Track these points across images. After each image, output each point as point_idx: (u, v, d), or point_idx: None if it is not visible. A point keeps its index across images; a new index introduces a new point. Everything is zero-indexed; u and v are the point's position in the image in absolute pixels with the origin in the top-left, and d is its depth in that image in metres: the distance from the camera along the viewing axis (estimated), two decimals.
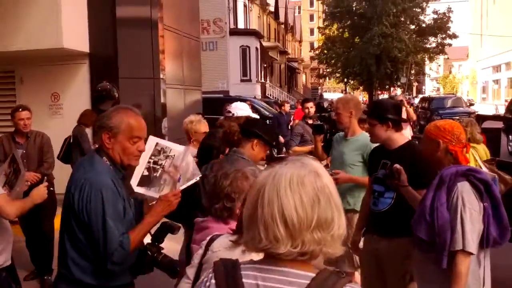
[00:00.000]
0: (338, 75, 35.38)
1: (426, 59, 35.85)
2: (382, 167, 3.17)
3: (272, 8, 41.91)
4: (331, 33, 35.02)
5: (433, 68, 58.97)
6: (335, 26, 33.14)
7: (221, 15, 28.33)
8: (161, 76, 9.05)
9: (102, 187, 2.20)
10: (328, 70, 38.27)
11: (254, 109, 15.19)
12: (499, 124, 7.29)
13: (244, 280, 1.18)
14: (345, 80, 34.94)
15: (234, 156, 3.08)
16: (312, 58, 44.00)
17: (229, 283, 1.19)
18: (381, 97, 44.73)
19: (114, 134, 2.29)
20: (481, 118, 6.84)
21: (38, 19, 7.42)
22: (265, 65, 35.62)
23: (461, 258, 2.43)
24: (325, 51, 35.05)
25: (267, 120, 14.55)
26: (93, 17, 8.22)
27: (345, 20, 30.59)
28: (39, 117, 8.80)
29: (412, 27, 31.71)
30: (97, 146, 2.44)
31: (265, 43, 34.92)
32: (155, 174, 2.52)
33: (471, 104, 26.75)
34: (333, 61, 33.79)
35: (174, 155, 2.52)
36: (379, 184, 3.19)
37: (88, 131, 6.26)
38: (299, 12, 65.16)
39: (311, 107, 6.80)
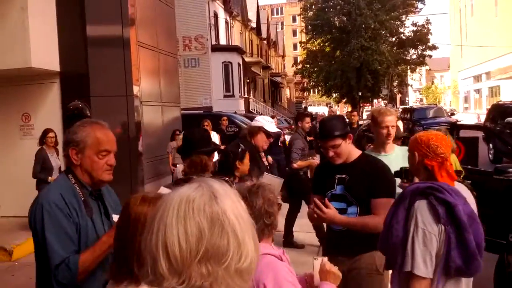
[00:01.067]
0: (320, 88, 35.61)
1: (408, 70, 36.28)
2: (339, 182, 3.05)
3: (254, 24, 42.19)
4: (313, 48, 35.29)
5: (416, 79, 59.76)
6: (317, 41, 33.46)
7: (202, 31, 28.44)
8: (135, 93, 8.92)
9: (45, 201, 2.14)
10: (311, 84, 38.48)
11: (234, 124, 15.19)
12: (477, 133, 7.26)
13: None
14: (327, 93, 35.12)
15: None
16: (295, 73, 44.21)
17: None
18: (365, 109, 45.12)
19: (81, 149, 2.22)
20: (456, 127, 6.79)
21: (5, 38, 7.30)
22: (248, 81, 35.70)
23: (414, 282, 2.26)
24: (307, 65, 35.29)
25: None
26: (63, 36, 8.12)
27: (325, 34, 30.87)
28: (9, 138, 8.66)
29: (392, 39, 32.08)
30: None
31: (247, 59, 35.04)
32: None
33: (452, 114, 27.05)
34: (315, 75, 34.03)
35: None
36: (339, 201, 3.04)
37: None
38: (281, 28, 65.73)
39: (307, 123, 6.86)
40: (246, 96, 33.27)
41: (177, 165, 10.10)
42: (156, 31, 10.93)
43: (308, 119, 6.89)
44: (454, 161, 4.59)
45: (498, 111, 15.51)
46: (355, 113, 11.75)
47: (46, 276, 2.14)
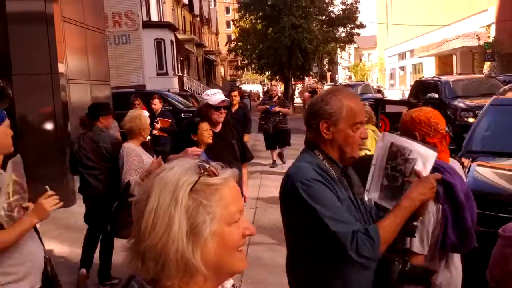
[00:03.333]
0: (254, 66, 35.82)
1: (337, 48, 37.19)
2: None
3: (186, 1, 41.49)
4: (245, 25, 35.32)
5: (344, 57, 61.37)
6: (249, 18, 33.48)
7: (132, 7, 27.71)
8: (61, 71, 8.67)
9: (303, 180, 1.91)
10: (244, 62, 38.60)
11: (167, 102, 15.05)
12: (402, 109, 7.66)
13: None
14: (260, 71, 35.41)
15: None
16: (228, 51, 44.13)
17: None
18: (296, 86, 45.86)
19: (334, 122, 1.99)
20: (381, 103, 7.18)
21: None
22: (181, 58, 35.25)
23: (410, 258, 2.23)
24: (240, 43, 35.30)
25: (184, 114, 14.30)
26: None
27: (257, 11, 30.94)
28: None
29: (322, 18, 32.70)
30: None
31: (180, 36, 34.54)
32: (395, 184, 2.08)
33: (379, 91, 28.18)
34: (248, 53, 34.15)
35: (414, 158, 2.05)
36: None
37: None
38: (214, 5, 65.01)
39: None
40: (180, 74, 32.88)
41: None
42: (82, 6, 10.59)
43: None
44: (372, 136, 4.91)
45: (420, 87, 16.28)
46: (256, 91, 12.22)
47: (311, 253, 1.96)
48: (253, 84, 64.05)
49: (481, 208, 3.98)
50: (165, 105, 14.78)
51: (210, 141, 4.17)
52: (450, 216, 2.31)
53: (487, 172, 4.68)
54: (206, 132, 4.16)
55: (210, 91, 4.59)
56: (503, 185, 4.35)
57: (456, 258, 2.54)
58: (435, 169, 2.24)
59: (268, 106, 10.90)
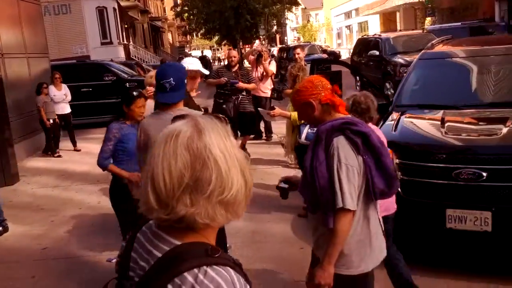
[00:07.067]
0: (202, 31, 35.21)
1: (285, 10, 37.01)
2: None
3: None
4: None
5: (292, 18, 61.12)
6: None
7: None
8: None
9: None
10: (192, 27, 37.87)
11: (111, 72, 14.67)
12: (341, 68, 7.77)
13: (135, 242, 1.18)
14: (208, 36, 34.88)
15: None
16: (175, 16, 43.07)
17: (128, 242, 1.20)
18: (246, 50, 45.47)
19: None
20: (316, 63, 7.29)
21: None
22: (126, 26, 34.22)
23: (342, 216, 2.33)
24: (186, 8, 34.56)
25: (128, 84, 13.97)
26: None
27: None
28: None
29: None
30: None
31: (123, 3, 33.39)
32: None
33: (325, 51, 28.40)
34: (194, 18, 33.51)
35: None
36: None
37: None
38: None
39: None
40: (125, 42, 32.00)
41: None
42: None
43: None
44: None
45: (363, 45, 16.60)
46: None
47: None
48: (204, 50, 63.06)
49: (408, 158, 4.26)
50: (109, 75, 14.48)
51: (139, 119, 3.96)
52: (373, 165, 2.37)
53: (414, 124, 4.85)
54: (138, 109, 4.03)
55: (188, 60, 4.64)
56: (429, 136, 4.50)
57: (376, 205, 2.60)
58: (348, 123, 2.38)
59: (224, 79, 8.01)
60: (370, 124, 3.09)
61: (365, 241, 2.47)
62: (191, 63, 4.43)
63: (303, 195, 2.51)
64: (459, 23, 16.62)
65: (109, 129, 4.02)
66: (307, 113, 2.52)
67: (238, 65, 8.42)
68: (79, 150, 10.53)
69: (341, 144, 2.33)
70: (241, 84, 7.98)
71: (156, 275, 1.05)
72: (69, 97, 10.55)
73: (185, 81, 3.14)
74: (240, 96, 8.00)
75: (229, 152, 1.07)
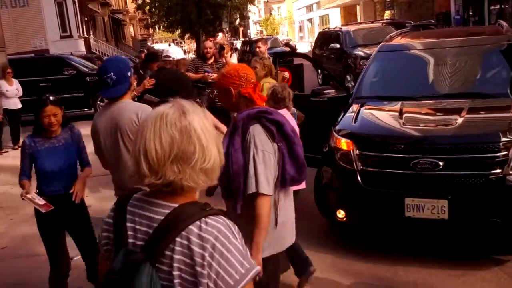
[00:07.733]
0: (165, 24, 34.76)
1: (248, 3, 36.88)
2: None
3: None
4: None
5: (254, 11, 60.97)
6: None
7: None
8: None
9: None
10: (154, 20, 37.32)
11: (71, 66, 14.33)
12: (303, 61, 7.81)
13: (128, 208, 1.36)
14: (169, 29, 34.46)
15: None
16: (136, 9, 42.32)
17: (118, 211, 1.38)
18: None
19: None
20: (278, 56, 7.26)
21: None
22: (86, 19, 33.41)
23: (259, 201, 2.41)
24: (147, 0, 34.03)
25: (89, 78, 13.70)
26: None
27: None
28: None
29: None
30: None
31: None
32: None
33: (287, 44, 28.50)
34: (156, 10, 33.04)
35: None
36: None
37: None
38: None
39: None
40: (85, 36, 31.25)
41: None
42: None
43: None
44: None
45: (324, 38, 16.66)
46: None
47: None
48: (166, 43, 62.26)
49: (368, 149, 4.34)
50: (69, 69, 14.15)
51: (51, 128, 3.41)
52: (286, 152, 2.50)
53: (374, 115, 4.94)
54: (47, 119, 3.36)
55: (172, 49, 4.77)
56: (388, 127, 4.59)
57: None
58: (263, 112, 2.49)
59: (208, 74, 7.15)
60: (285, 113, 3.24)
61: (272, 227, 2.54)
62: (179, 53, 4.55)
63: (218, 180, 2.58)
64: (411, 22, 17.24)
65: (22, 144, 3.61)
66: (226, 97, 2.60)
67: (213, 57, 7.60)
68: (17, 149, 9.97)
69: (257, 132, 2.44)
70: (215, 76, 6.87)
71: (163, 234, 1.26)
72: (20, 92, 10.50)
73: (128, 73, 3.12)
74: (215, 90, 6.92)
75: (208, 130, 1.32)
